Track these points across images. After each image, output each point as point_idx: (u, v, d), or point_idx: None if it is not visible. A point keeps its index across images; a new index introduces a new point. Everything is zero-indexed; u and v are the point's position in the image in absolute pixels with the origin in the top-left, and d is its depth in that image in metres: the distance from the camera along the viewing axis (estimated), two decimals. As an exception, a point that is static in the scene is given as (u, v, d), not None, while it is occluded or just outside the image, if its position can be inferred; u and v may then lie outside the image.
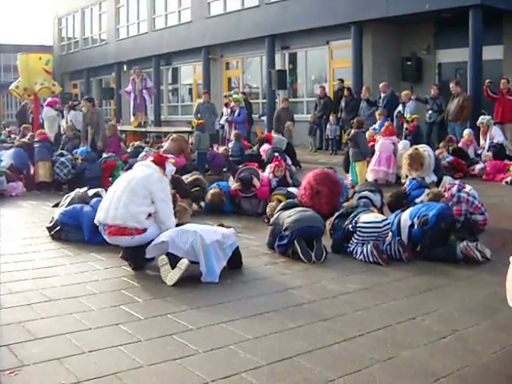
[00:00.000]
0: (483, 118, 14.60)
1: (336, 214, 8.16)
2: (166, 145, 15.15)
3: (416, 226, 7.41)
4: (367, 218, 7.61)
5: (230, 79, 29.20)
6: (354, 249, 7.51)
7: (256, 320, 5.37)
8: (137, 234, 6.83)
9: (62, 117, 21.99)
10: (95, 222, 7.21)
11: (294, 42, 24.61)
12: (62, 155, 13.80)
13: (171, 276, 6.41)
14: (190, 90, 31.74)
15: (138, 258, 7.02)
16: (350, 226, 7.60)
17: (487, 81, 16.73)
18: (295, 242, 7.40)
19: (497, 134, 15.09)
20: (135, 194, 6.87)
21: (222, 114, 21.03)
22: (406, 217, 7.63)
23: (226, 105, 20.92)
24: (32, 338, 4.91)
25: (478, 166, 14.15)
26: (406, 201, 8.55)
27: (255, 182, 10.46)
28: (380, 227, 7.49)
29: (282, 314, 5.52)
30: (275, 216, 8.13)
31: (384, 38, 21.66)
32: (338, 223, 7.92)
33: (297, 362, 4.44)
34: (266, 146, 15.55)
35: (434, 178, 10.09)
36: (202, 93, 22.55)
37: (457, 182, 8.74)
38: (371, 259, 7.23)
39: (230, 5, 26.66)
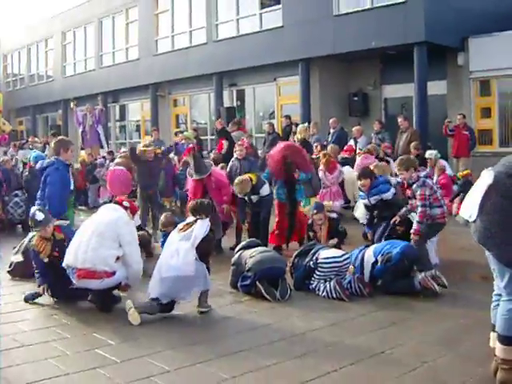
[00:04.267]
0: (430, 154, 15.02)
1: (295, 253, 8.34)
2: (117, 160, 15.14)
3: (379, 263, 7.65)
4: (327, 253, 7.84)
5: (177, 116, 29.32)
6: (316, 285, 7.69)
7: (231, 359, 5.50)
8: (106, 278, 6.91)
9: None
10: (63, 265, 7.23)
11: (241, 79, 24.91)
12: (16, 195, 13.67)
13: (133, 317, 6.54)
14: (138, 126, 31.72)
15: (106, 299, 7.09)
16: (311, 262, 7.80)
17: (446, 120, 17.35)
18: (257, 282, 7.56)
19: (446, 168, 15.57)
20: (104, 237, 6.95)
21: (170, 148, 21.06)
22: (370, 253, 7.87)
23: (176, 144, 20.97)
24: (10, 386, 4.94)
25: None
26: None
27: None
28: (340, 261, 7.73)
29: (255, 353, 5.66)
30: (236, 256, 8.25)
31: (331, 74, 22.12)
32: (298, 261, 8.10)
33: (277, 400, 4.58)
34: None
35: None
36: (152, 130, 22.62)
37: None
38: (334, 295, 7.42)
39: (178, 42, 26.86)
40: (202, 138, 23.21)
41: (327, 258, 7.74)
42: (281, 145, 10.63)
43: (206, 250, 7.12)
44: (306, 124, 17.41)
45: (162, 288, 6.74)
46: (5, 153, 21.55)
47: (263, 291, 7.49)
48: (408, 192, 8.67)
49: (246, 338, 6.12)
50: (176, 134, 22.73)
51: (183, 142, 20.07)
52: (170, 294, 6.77)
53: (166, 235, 8.51)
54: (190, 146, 13.62)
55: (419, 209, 8.16)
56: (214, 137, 24.98)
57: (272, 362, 5.36)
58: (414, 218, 8.37)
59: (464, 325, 6.39)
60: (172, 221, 9.29)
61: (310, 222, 9.64)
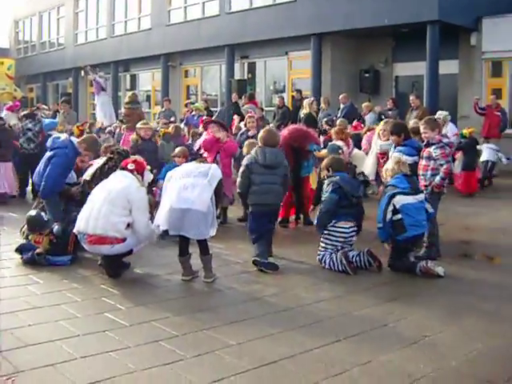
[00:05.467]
0: (440, 114, 14.94)
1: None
2: None
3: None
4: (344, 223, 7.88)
5: (188, 87, 29.37)
6: (322, 257, 7.80)
7: (237, 326, 5.64)
8: (116, 243, 7.04)
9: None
10: (74, 231, 7.38)
11: (253, 52, 24.91)
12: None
13: None
14: (148, 96, 31.77)
15: (115, 265, 7.23)
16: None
17: (476, 97, 17.33)
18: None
19: (450, 132, 15.42)
20: (115, 204, 7.07)
21: (182, 121, 21.15)
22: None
23: (187, 112, 21.04)
24: (23, 345, 5.07)
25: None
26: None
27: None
28: (348, 232, 7.83)
29: (260, 321, 5.80)
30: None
31: (343, 50, 22.13)
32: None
33: (281, 366, 4.72)
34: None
35: None
36: (164, 100, 22.66)
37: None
38: (340, 268, 7.53)
39: (191, 13, 26.83)
40: (212, 109, 23.23)
41: (339, 227, 7.81)
42: (284, 132, 10.43)
43: (219, 193, 7.38)
44: (312, 98, 17.40)
45: (172, 218, 6.89)
46: (18, 119, 21.50)
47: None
48: (423, 152, 8.51)
49: (251, 306, 6.25)
50: (186, 105, 22.84)
51: (194, 113, 20.21)
52: (178, 226, 6.92)
53: (167, 169, 8.85)
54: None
55: (444, 165, 8.11)
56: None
57: (277, 331, 5.49)
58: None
59: (466, 302, 6.51)
60: (186, 154, 9.83)
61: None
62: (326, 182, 7.98)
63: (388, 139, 9.89)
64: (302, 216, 10.55)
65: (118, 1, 31.58)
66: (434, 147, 8.21)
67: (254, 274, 7.51)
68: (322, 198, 7.94)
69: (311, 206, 9.51)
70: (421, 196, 7.74)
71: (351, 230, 7.87)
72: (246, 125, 11.76)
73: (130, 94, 17.28)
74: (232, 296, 6.69)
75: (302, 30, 21.28)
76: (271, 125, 20.95)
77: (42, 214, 8.37)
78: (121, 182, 7.30)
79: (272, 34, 22.42)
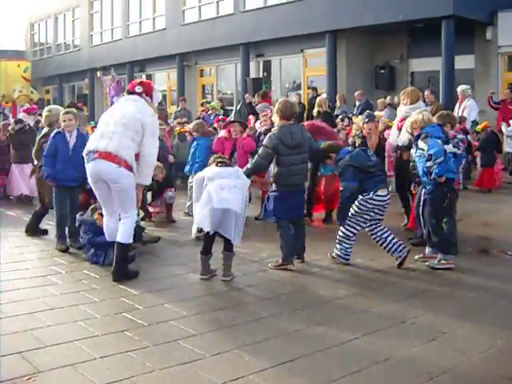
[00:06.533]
0: (462, 87, 14.84)
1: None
2: None
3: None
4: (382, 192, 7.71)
5: (204, 86, 29.43)
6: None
7: (255, 325, 5.65)
8: (124, 167, 6.90)
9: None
10: (83, 154, 7.19)
11: (268, 50, 24.92)
12: None
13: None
14: (164, 96, 31.85)
15: (121, 271, 7.11)
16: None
17: (490, 91, 17.24)
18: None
19: (471, 108, 15.28)
20: (128, 127, 6.94)
21: (198, 119, 21.19)
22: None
23: (203, 111, 21.10)
24: (42, 346, 5.11)
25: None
26: None
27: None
28: (385, 200, 7.69)
29: (277, 320, 5.80)
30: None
31: (358, 47, 22.08)
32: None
33: (299, 365, 4.72)
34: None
35: None
36: (180, 99, 22.71)
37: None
38: (394, 247, 7.62)
39: (205, 13, 26.88)
40: (228, 108, 23.26)
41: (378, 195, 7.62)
42: None
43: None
44: (325, 95, 17.33)
45: (213, 217, 6.85)
46: (36, 122, 21.59)
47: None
48: None
49: (268, 305, 6.25)
50: (202, 104, 22.91)
51: (210, 112, 20.26)
52: (217, 224, 6.93)
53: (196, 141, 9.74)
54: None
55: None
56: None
57: (294, 329, 5.50)
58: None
59: (485, 298, 6.49)
60: (204, 129, 10.60)
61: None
62: (339, 166, 7.83)
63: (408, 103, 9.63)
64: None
65: (132, 1, 31.70)
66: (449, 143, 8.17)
67: (272, 273, 7.51)
68: (341, 188, 7.82)
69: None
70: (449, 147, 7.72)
71: (388, 197, 7.71)
72: (260, 124, 11.73)
73: None
74: (250, 294, 6.70)
75: (317, 27, 21.25)
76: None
77: None
78: (133, 106, 7.16)
79: (287, 31, 22.41)
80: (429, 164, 7.43)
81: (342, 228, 7.79)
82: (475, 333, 5.45)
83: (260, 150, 7.90)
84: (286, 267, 7.57)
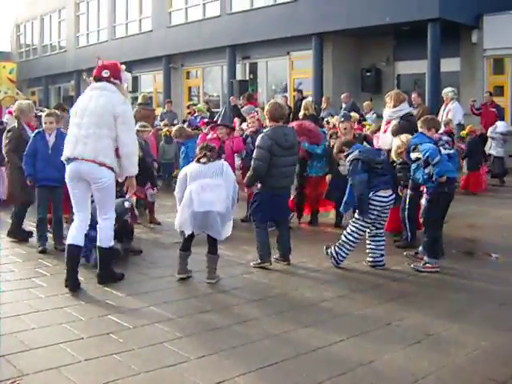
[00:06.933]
0: (446, 90, 14.90)
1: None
2: None
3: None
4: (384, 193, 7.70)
5: (190, 88, 29.40)
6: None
7: (240, 327, 5.64)
8: (105, 168, 6.73)
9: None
10: (62, 159, 6.95)
11: (254, 52, 24.93)
12: None
13: None
14: (150, 98, 31.77)
15: (106, 273, 7.07)
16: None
17: (471, 99, 17.34)
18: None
19: (456, 111, 15.31)
20: (100, 125, 6.66)
21: (185, 122, 21.18)
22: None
23: (189, 114, 21.09)
24: (27, 349, 5.07)
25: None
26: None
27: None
28: (386, 201, 7.66)
29: (264, 322, 5.79)
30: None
31: (344, 49, 22.14)
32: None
33: (285, 367, 4.72)
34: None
35: None
36: (166, 102, 22.68)
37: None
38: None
39: (191, 15, 26.86)
40: (214, 110, 23.26)
41: (379, 195, 7.58)
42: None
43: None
44: (310, 98, 17.36)
45: (196, 221, 6.87)
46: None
47: None
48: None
49: (255, 307, 6.25)
50: (188, 106, 22.88)
51: (196, 114, 20.24)
52: (201, 226, 6.96)
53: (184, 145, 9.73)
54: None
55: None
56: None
57: (279, 332, 5.49)
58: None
59: (469, 299, 6.52)
60: (186, 132, 11.00)
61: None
62: (347, 161, 7.76)
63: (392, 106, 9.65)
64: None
65: (118, 3, 31.62)
66: None
67: (258, 275, 7.50)
68: (350, 182, 7.72)
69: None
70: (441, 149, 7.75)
71: (390, 198, 7.67)
72: (248, 126, 11.73)
73: (142, 95, 17.63)
74: (235, 297, 6.68)
75: (303, 29, 21.30)
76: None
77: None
78: (101, 97, 6.78)
79: (273, 34, 22.44)
80: (427, 170, 7.47)
81: (344, 232, 7.79)
82: (460, 334, 5.47)
83: (255, 153, 7.87)
84: (264, 266, 7.73)
